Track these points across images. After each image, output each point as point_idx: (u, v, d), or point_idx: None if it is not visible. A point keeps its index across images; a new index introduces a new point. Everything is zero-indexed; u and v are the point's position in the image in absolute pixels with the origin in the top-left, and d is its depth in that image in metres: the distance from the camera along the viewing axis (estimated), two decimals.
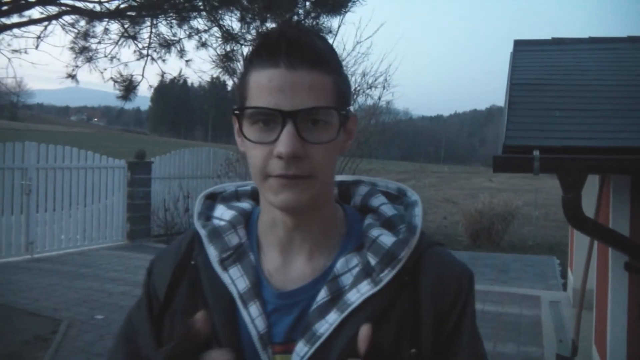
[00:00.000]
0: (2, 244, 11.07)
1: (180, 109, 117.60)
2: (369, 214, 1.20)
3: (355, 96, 12.83)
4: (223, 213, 1.23)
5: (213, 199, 1.29)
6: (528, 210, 20.55)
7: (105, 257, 11.61)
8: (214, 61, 7.76)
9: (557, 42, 7.10)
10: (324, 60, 1.07)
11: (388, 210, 1.19)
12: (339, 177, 1.27)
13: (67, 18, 8.15)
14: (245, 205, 1.25)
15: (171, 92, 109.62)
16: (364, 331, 1.03)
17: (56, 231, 11.96)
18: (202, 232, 1.19)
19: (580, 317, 6.04)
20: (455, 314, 1.12)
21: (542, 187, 26.82)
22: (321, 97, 1.04)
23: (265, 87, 1.04)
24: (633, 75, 5.77)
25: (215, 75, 9.11)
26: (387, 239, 1.11)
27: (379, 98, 13.61)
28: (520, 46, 7.00)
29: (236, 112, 1.09)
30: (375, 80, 13.23)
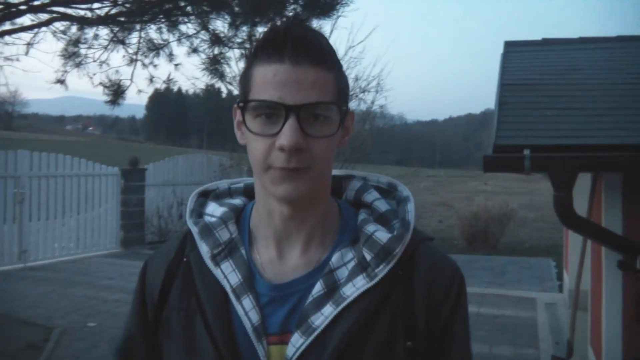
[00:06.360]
0: None
1: (176, 117, 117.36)
2: (362, 208, 1.24)
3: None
4: (214, 210, 1.27)
5: (206, 196, 1.34)
6: (524, 213, 20.55)
7: (99, 264, 11.57)
8: (202, 63, 7.73)
9: (547, 42, 7.09)
10: (327, 58, 1.11)
11: (382, 205, 1.23)
12: None
13: (58, 25, 8.13)
14: (237, 201, 1.29)
15: (166, 100, 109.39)
16: None
17: (49, 239, 11.91)
18: (194, 229, 1.22)
19: (575, 317, 6.01)
20: (447, 305, 1.16)
21: (538, 190, 26.83)
22: (324, 93, 1.08)
23: (270, 81, 1.07)
24: (624, 73, 5.76)
25: (209, 83, 9.06)
26: (382, 234, 1.14)
27: (372, 102, 13.57)
28: (511, 47, 6.98)
29: (241, 104, 1.12)
30: (368, 84, 13.11)
